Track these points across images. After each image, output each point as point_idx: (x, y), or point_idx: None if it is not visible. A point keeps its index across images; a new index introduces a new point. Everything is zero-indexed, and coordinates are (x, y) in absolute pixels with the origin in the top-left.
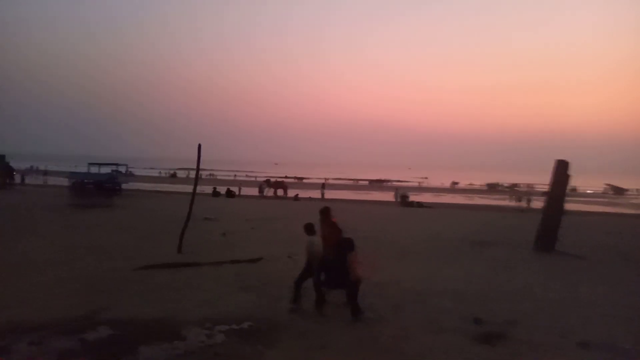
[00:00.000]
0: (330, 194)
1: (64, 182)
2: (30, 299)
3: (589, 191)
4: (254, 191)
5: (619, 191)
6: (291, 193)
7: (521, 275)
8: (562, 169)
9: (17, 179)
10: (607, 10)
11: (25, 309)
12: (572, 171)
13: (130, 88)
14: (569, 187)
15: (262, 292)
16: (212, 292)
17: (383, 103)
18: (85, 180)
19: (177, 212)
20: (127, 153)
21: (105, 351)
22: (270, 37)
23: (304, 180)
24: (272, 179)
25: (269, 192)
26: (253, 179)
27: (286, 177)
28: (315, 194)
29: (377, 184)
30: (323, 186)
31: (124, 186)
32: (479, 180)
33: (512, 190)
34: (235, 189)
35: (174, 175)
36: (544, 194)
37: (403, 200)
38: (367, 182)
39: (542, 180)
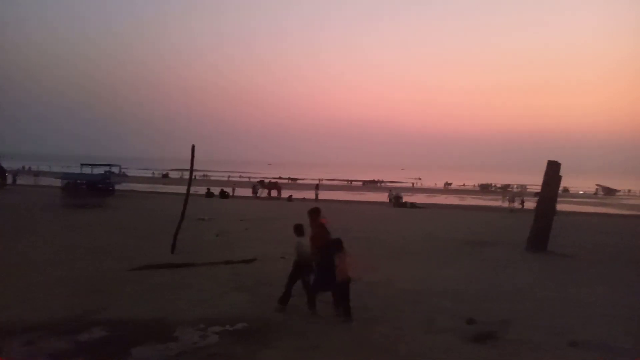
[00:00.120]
0: (324, 195)
1: (56, 182)
2: (25, 299)
3: (580, 192)
4: (248, 192)
5: (609, 192)
6: (285, 194)
7: (513, 275)
8: (553, 170)
9: (9, 179)
10: (600, 13)
11: (19, 310)
12: (563, 172)
13: (126, 88)
14: (560, 188)
15: (256, 292)
16: (206, 292)
17: (377, 103)
18: (78, 181)
19: (170, 213)
20: (121, 153)
21: (99, 352)
22: (265, 37)
23: (298, 181)
24: (266, 180)
25: (263, 192)
26: (247, 179)
27: (280, 177)
28: (309, 194)
29: (371, 185)
30: (317, 187)
31: (117, 187)
32: (472, 181)
33: (505, 191)
34: (229, 190)
35: (166, 176)
36: (536, 194)
37: (396, 200)
38: (360, 182)
39: (535, 181)
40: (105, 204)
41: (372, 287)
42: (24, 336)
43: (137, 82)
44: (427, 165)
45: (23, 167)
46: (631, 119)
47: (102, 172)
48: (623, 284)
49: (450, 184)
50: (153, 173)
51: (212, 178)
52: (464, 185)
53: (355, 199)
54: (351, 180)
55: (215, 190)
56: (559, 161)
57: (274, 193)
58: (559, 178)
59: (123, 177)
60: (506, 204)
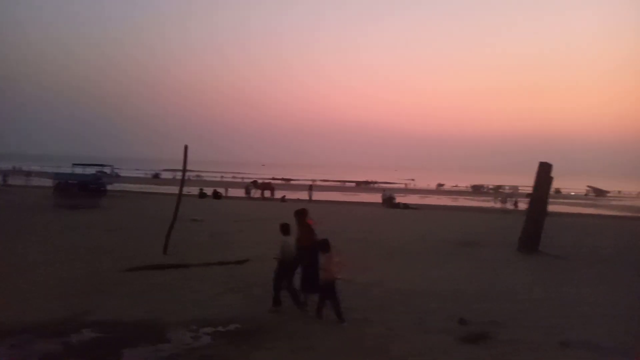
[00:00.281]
0: (317, 196)
1: (48, 183)
2: (15, 300)
3: (572, 193)
4: (241, 192)
5: (600, 193)
6: (278, 194)
7: (505, 275)
8: (545, 172)
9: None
10: (590, 16)
11: (8, 311)
12: (555, 174)
13: (118, 87)
14: (552, 189)
15: (249, 293)
16: (199, 293)
17: (371, 105)
18: (70, 181)
19: (163, 214)
20: (114, 153)
21: (89, 354)
22: (259, 37)
23: (292, 182)
24: (259, 180)
25: (256, 193)
26: (240, 180)
27: (273, 178)
28: (303, 195)
29: (364, 186)
30: (310, 188)
31: (109, 187)
32: (464, 182)
33: (497, 192)
34: (222, 190)
35: (156, 176)
36: (527, 195)
37: (389, 201)
38: (354, 183)
39: (527, 182)
40: (97, 204)
41: (364, 288)
42: (13, 338)
43: (129, 82)
44: (420, 166)
45: (14, 167)
46: (622, 122)
47: (94, 173)
48: (613, 284)
49: (442, 185)
50: (146, 173)
51: (205, 178)
52: (456, 186)
53: (349, 200)
54: (345, 181)
55: (208, 191)
56: (551, 162)
57: (267, 193)
58: (550, 179)
59: (115, 177)
60: (498, 205)
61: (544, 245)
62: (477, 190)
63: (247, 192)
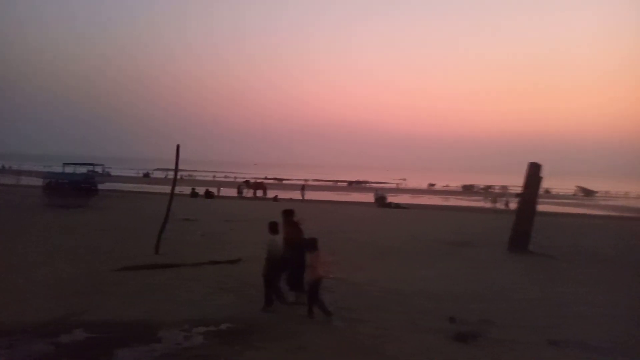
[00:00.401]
0: (310, 195)
1: (39, 182)
2: (7, 301)
3: (560, 193)
4: (233, 192)
5: (588, 193)
6: (271, 194)
7: (496, 275)
8: (534, 172)
9: None
10: (580, 19)
11: (3, 312)
12: (545, 174)
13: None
14: (542, 189)
15: (241, 292)
16: (191, 293)
17: (363, 105)
18: (60, 181)
19: (155, 213)
20: (106, 153)
21: (80, 355)
22: (252, 37)
23: (284, 182)
24: (252, 180)
25: (248, 192)
26: (232, 179)
27: (266, 178)
28: (296, 195)
29: (356, 186)
30: (303, 187)
31: (100, 187)
32: (455, 182)
33: (487, 191)
34: (214, 190)
35: (146, 175)
36: (517, 195)
37: (381, 201)
38: (346, 183)
39: (517, 182)
40: (89, 204)
41: (357, 288)
42: (4, 339)
43: (122, 81)
44: (412, 166)
45: (3, 167)
46: (610, 122)
47: (85, 172)
48: (601, 283)
49: (434, 184)
50: (137, 173)
51: (197, 178)
52: (447, 186)
53: (341, 200)
54: (337, 181)
55: (201, 190)
56: (540, 163)
57: (259, 193)
58: (540, 179)
59: (106, 176)
60: (489, 205)
61: (534, 245)
62: (467, 190)
63: (239, 191)
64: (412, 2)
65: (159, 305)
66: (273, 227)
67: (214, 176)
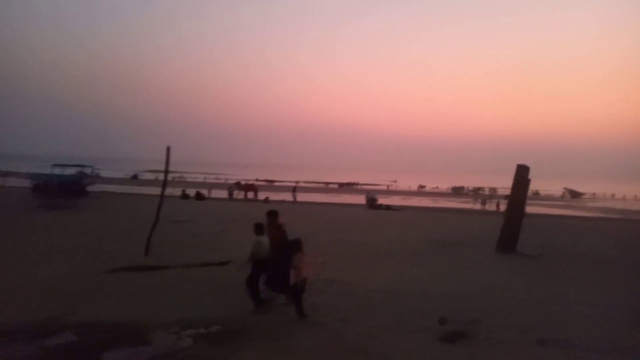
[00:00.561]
0: (301, 197)
1: (27, 183)
2: None
3: (549, 195)
4: (224, 193)
5: (575, 195)
6: (262, 196)
7: (484, 275)
8: (522, 174)
9: None
10: (572, 20)
11: None
12: (533, 176)
13: (101, 87)
14: (530, 191)
15: (231, 295)
16: (181, 295)
17: (354, 107)
18: (49, 182)
19: (145, 215)
20: (96, 153)
21: (67, 357)
22: (243, 39)
23: (275, 183)
24: (243, 182)
25: (239, 194)
26: (223, 181)
27: (257, 179)
28: (287, 196)
29: (347, 187)
30: (294, 189)
31: (89, 188)
32: (445, 183)
33: (477, 193)
34: (204, 192)
35: (135, 177)
36: (506, 197)
37: (371, 203)
38: (337, 185)
39: (506, 184)
40: (78, 205)
41: (346, 288)
42: None
43: (112, 82)
44: (403, 168)
45: None
46: (598, 126)
47: (74, 173)
48: (589, 283)
49: (424, 186)
50: (126, 174)
51: (187, 179)
52: (437, 187)
53: (332, 201)
54: (328, 183)
55: (191, 192)
56: (528, 165)
57: (250, 195)
58: (528, 181)
59: (95, 178)
60: (478, 206)
61: (522, 246)
62: (457, 192)
63: (230, 193)
64: (402, 5)
65: (148, 307)
66: (259, 228)
67: (205, 178)
